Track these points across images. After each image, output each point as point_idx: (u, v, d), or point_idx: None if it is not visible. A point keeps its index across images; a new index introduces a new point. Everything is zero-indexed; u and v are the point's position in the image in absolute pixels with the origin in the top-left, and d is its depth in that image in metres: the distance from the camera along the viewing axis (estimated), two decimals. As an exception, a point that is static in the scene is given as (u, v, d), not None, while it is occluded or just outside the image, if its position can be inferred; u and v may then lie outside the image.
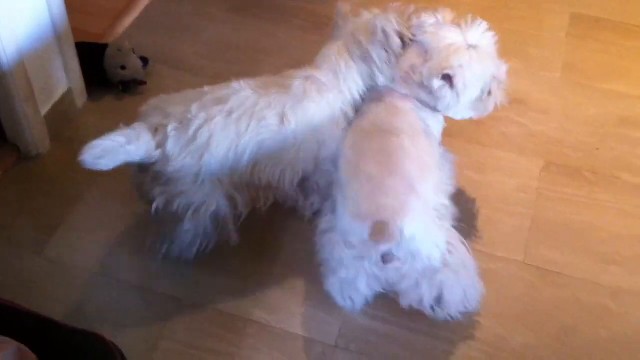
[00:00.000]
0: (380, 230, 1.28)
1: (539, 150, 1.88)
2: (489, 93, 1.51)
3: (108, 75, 1.97)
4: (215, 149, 1.40)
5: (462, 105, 1.50)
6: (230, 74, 1.56)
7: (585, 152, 1.88)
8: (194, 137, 1.39)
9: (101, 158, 1.31)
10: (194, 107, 1.41)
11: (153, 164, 1.40)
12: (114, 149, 1.33)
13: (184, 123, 1.39)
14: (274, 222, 1.70)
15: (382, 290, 1.45)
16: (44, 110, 1.81)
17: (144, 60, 1.99)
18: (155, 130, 1.39)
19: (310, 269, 1.53)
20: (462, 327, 1.48)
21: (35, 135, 1.79)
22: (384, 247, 1.31)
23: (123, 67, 1.96)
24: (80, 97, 1.95)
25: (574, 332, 1.51)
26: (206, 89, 1.49)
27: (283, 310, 1.53)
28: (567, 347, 1.48)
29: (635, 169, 1.84)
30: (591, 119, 1.97)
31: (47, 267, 1.60)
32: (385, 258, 1.34)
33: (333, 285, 1.47)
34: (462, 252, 1.42)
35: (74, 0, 1.88)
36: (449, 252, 1.39)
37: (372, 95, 1.55)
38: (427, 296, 1.41)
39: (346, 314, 1.51)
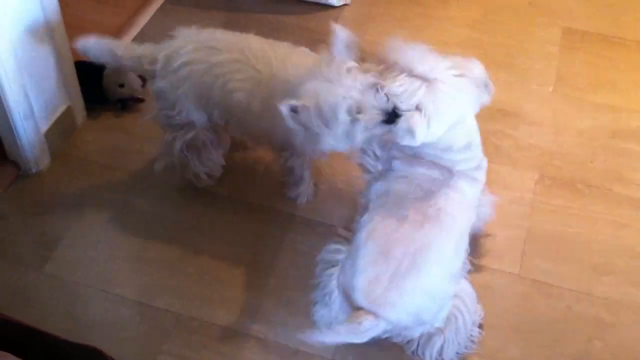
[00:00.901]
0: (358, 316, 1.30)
1: (532, 163, 1.90)
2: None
3: (107, 93, 2.00)
4: (189, 89, 1.58)
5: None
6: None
7: (578, 164, 1.90)
8: (176, 70, 1.58)
9: (90, 50, 1.61)
10: (190, 47, 1.59)
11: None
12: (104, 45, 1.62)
13: (174, 55, 1.59)
14: (270, 234, 1.72)
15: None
16: (44, 128, 1.83)
17: (142, 78, 2.02)
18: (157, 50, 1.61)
19: (307, 282, 1.54)
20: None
21: (35, 152, 1.81)
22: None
23: (121, 85, 1.98)
24: (80, 115, 1.97)
25: (568, 343, 1.52)
26: (219, 34, 1.66)
27: (280, 324, 1.55)
28: (562, 358, 1.50)
29: (627, 181, 1.86)
30: (583, 131, 2.00)
31: (47, 282, 1.62)
32: None
33: (322, 317, 1.48)
34: (467, 309, 1.42)
35: (73, 18, 1.90)
36: (454, 314, 1.39)
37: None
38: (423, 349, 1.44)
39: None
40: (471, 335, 1.47)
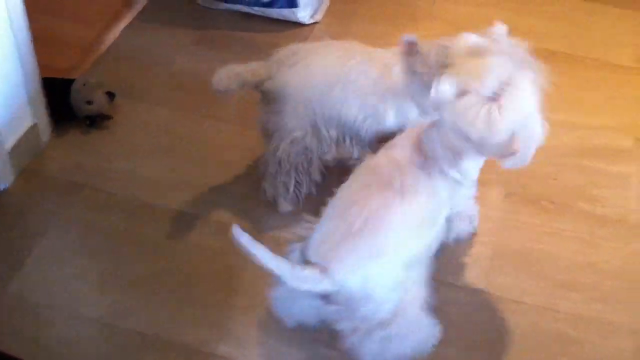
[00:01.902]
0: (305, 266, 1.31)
1: (499, 180, 1.92)
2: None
3: (74, 110, 1.98)
4: (310, 75, 1.64)
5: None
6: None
7: (543, 181, 1.93)
8: (293, 63, 1.64)
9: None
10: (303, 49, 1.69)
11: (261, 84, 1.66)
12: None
13: (290, 57, 1.67)
14: (237, 252, 1.71)
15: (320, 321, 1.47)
16: (8, 144, 1.81)
17: (110, 95, 2.01)
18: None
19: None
20: (423, 356, 1.49)
21: (-1, 169, 1.79)
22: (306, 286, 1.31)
23: (89, 102, 1.97)
24: (46, 132, 1.95)
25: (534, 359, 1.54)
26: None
27: (248, 343, 1.54)
28: (528, 374, 1.52)
29: (592, 198, 1.89)
30: (548, 149, 1.99)
31: (11, 302, 1.59)
32: (324, 297, 1.36)
33: (275, 298, 1.49)
34: (412, 313, 1.40)
35: (41, 33, 1.89)
36: (401, 310, 1.37)
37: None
38: (368, 348, 1.40)
39: (311, 345, 1.53)
40: (423, 342, 1.45)
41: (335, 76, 1.63)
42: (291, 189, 1.74)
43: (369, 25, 2.45)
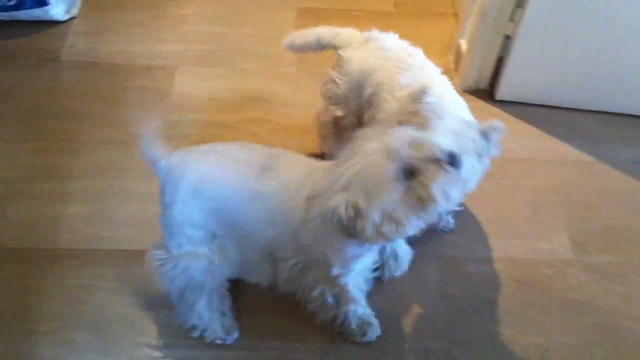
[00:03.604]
0: None
1: (290, 141, 1.95)
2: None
3: None
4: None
5: None
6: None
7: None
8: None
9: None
10: None
11: None
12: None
13: None
14: (33, 277, 1.60)
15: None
16: None
17: None
18: None
19: (84, 316, 1.46)
20: None
21: None
22: None
23: None
24: None
25: None
26: None
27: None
28: None
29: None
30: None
31: None
32: None
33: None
34: None
35: None
36: None
37: None
38: None
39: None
40: None
41: None
42: None
43: (132, 12, 2.37)
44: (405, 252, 1.61)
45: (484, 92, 2.16)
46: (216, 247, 1.37)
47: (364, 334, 1.50)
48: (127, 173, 1.83)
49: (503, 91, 2.10)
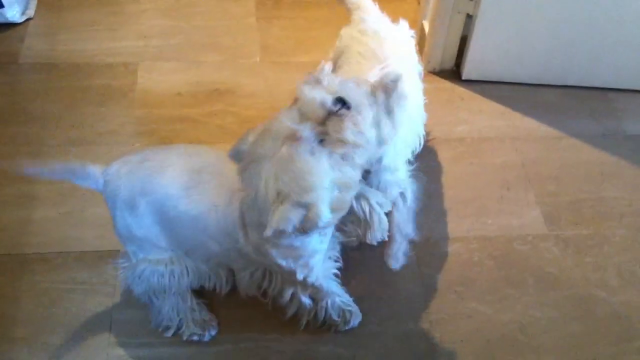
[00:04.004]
0: None
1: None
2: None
3: None
4: None
5: None
6: None
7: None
8: None
9: None
10: None
11: None
12: None
13: None
14: (4, 284, 1.56)
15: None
16: None
17: None
18: None
19: (58, 320, 1.45)
20: None
21: None
22: None
23: None
24: None
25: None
26: None
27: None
28: None
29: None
30: (293, 92, 2.07)
31: None
32: None
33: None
34: None
35: None
36: None
37: None
38: None
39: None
40: None
41: None
42: None
43: (86, 9, 2.32)
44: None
45: (450, 72, 2.17)
46: (174, 255, 1.36)
47: (346, 322, 1.49)
48: (93, 173, 1.79)
49: (468, 70, 2.11)
